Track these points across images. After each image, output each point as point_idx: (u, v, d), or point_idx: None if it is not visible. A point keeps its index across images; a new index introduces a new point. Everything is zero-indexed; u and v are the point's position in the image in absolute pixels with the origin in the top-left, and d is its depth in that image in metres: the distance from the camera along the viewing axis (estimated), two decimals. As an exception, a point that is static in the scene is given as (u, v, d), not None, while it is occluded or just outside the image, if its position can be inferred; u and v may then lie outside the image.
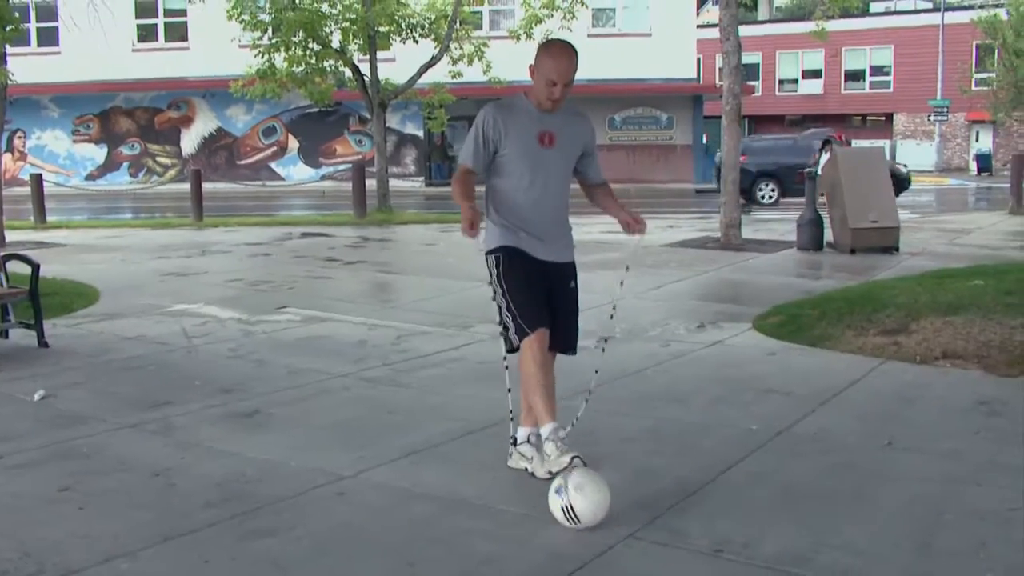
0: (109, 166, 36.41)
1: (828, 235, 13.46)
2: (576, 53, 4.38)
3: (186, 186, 21.65)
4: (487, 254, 4.46)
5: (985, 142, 46.82)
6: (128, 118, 36.30)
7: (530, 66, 4.40)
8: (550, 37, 4.49)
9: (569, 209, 4.61)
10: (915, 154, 46.99)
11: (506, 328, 4.37)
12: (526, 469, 4.50)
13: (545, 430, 4.23)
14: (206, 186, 21.38)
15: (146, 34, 35.68)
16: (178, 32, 35.41)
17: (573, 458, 4.05)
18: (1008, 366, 6.34)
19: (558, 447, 4.15)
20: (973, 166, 44.42)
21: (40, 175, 20.43)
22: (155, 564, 3.62)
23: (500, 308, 4.38)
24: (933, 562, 3.60)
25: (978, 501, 4.16)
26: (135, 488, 4.42)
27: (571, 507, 3.84)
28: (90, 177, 35.94)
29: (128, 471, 4.64)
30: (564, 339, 4.55)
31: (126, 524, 3.96)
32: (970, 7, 45.49)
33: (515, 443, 4.62)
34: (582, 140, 4.58)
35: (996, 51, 44.44)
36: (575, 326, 4.61)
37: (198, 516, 4.05)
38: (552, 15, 20.54)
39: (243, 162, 36.15)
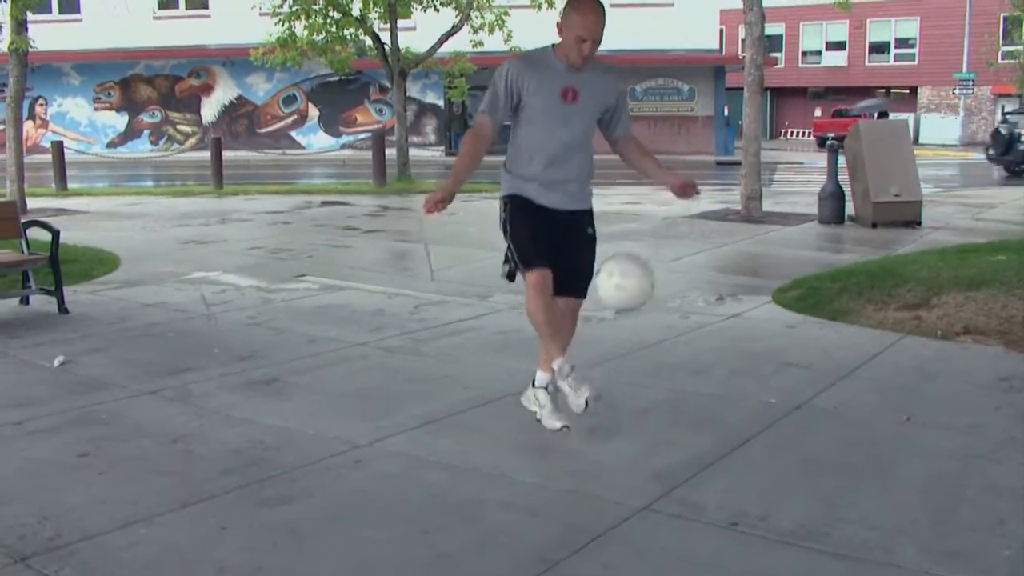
0: (130, 134, 36.48)
1: (849, 208, 13.36)
2: (604, 10, 4.35)
3: (206, 154, 21.68)
4: (500, 199, 4.61)
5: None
6: (149, 86, 36.32)
7: (558, 23, 4.37)
8: None
9: (593, 168, 4.62)
10: (939, 128, 46.60)
11: (506, 261, 4.55)
12: (534, 413, 4.60)
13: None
14: (226, 154, 21.40)
15: (167, 2, 35.64)
16: (199, 0, 35.35)
17: (587, 400, 4.23)
18: (1030, 342, 6.28)
19: (571, 385, 4.29)
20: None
21: (61, 142, 20.51)
22: (173, 530, 3.64)
23: (508, 245, 4.52)
24: (951, 538, 3.58)
25: (997, 477, 4.14)
26: (153, 454, 4.44)
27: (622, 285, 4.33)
28: (111, 144, 36.02)
29: (147, 437, 4.66)
30: (576, 283, 4.60)
31: (144, 490, 3.99)
32: (998, -22, 44.83)
33: (534, 384, 4.68)
34: (606, 96, 4.55)
35: (1024, 23, 43.88)
36: (589, 271, 4.63)
37: (216, 483, 4.07)
38: (574, -16, 20.37)
39: (263, 130, 36.15)
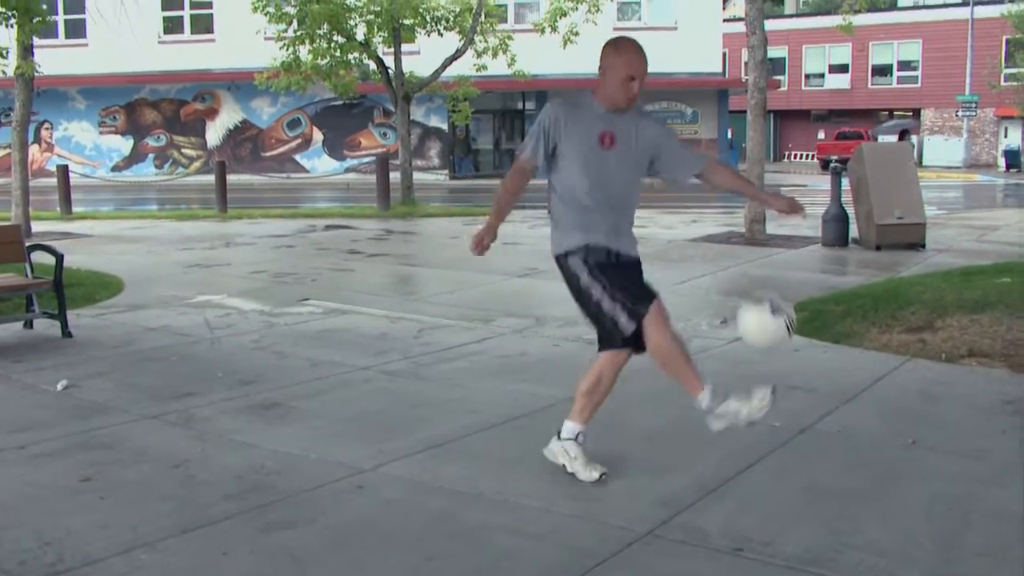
0: (135, 157, 36.60)
1: (853, 231, 13.36)
2: (643, 48, 4.36)
3: (211, 178, 21.73)
4: (565, 256, 4.34)
5: (1014, 138, 46.32)
6: (154, 110, 36.47)
7: (599, 68, 4.35)
8: (617, 37, 4.45)
9: (635, 213, 4.50)
10: (943, 150, 46.58)
11: (614, 323, 4.22)
12: (564, 466, 4.42)
13: (706, 398, 4.21)
14: (231, 178, 21.46)
15: (172, 26, 35.83)
16: (203, 24, 35.55)
17: (770, 391, 4.16)
18: (1035, 365, 6.26)
19: (738, 396, 4.19)
20: (1001, 162, 43.97)
21: (66, 166, 20.54)
22: (174, 555, 3.63)
23: (600, 305, 4.24)
24: (957, 563, 3.56)
25: (1002, 502, 4.12)
26: (155, 479, 4.43)
27: (792, 321, 4.22)
28: (116, 168, 36.15)
29: (149, 462, 4.65)
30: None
31: (146, 515, 3.98)
32: (1000, 1, 45.03)
33: (559, 436, 4.49)
34: (648, 140, 4.44)
35: (1026, 46, 44.02)
36: None
37: (217, 508, 4.06)
38: (577, 8, 20.45)
39: (268, 154, 36.27)
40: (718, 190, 4.75)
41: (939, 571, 3.50)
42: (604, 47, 4.38)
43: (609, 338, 4.30)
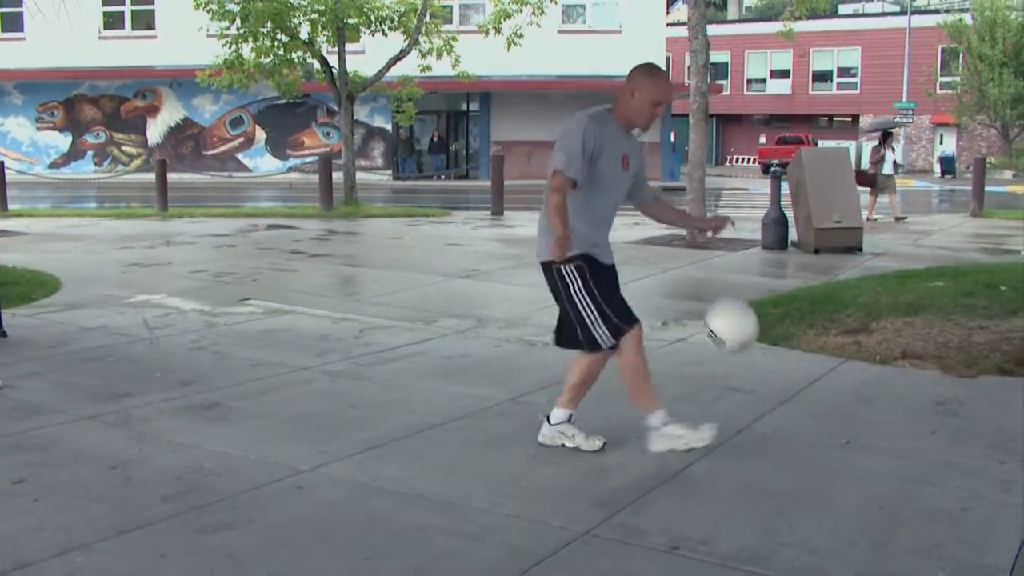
0: (73, 154, 36.05)
1: (793, 234, 13.55)
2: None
3: (151, 176, 21.44)
4: (560, 263, 4.48)
5: (949, 145, 47.33)
6: (93, 106, 35.95)
7: (629, 88, 4.50)
8: (648, 62, 4.66)
9: None
10: (880, 155, 47.29)
11: (596, 334, 4.56)
12: (563, 445, 4.76)
13: (657, 418, 4.63)
14: (172, 176, 21.22)
15: (112, 21, 35.36)
16: (145, 20, 35.12)
17: (709, 433, 4.61)
18: (965, 367, 6.41)
19: (685, 425, 4.62)
20: (937, 168, 44.88)
21: (2, 162, 20.18)
22: (111, 557, 3.59)
23: (587, 313, 4.54)
24: (888, 560, 3.64)
25: (933, 500, 4.21)
26: (91, 481, 4.37)
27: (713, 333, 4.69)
28: (54, 165, 35.57)
29: (85, 463, 4.59)
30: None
31: (81, 517, 3.93)
32: (936, 11, 46.02)
33: (550, 421, 4.84)
34: (638, 164, 4.77)
35: (960, 55, 45.05)
36: None
37: (155, 509, 4.02)
38: (521, 10, 20.49)
39: (210, 153, 35.90)
40: (656, 219, 5.18)
41: (871, 568, 3.57)
42: (635, 70, 4.61)
43: (592, 343, 4.60)
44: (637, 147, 4.72)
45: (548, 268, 4.59)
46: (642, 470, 4.54)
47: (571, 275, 4.53)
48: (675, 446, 4.61)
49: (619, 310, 4.56)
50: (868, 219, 17.77)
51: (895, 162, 19.69)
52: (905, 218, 18.22)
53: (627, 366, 4.60)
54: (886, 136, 18.97)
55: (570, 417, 4.81)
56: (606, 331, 4.52)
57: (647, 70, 4.58)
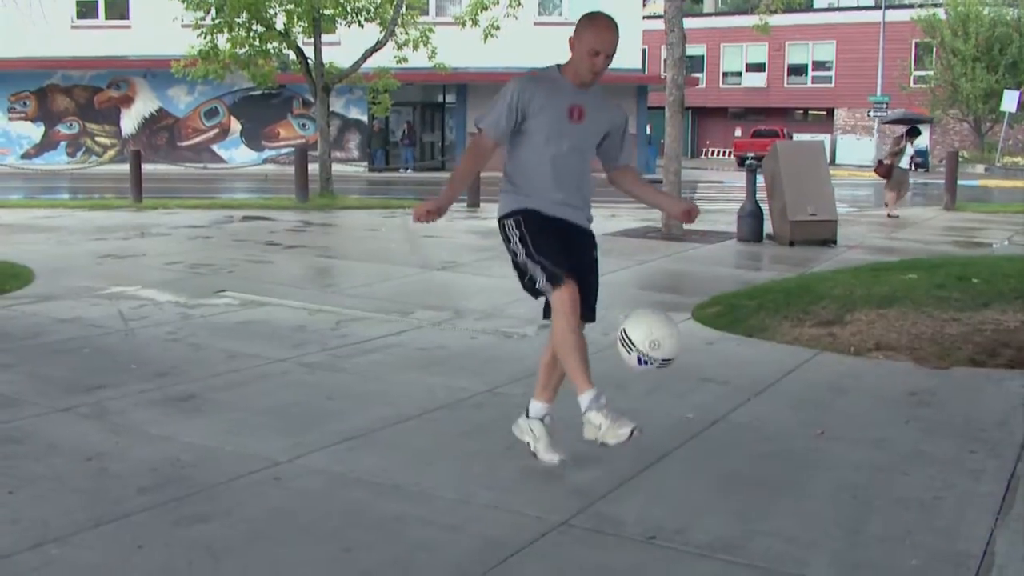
0: (46, 145, 35.74)
1: (768, 227, 13.63)
2: (618, 29, 4.32)
3: (125, 167, 21.28)
4: (501, 219, 4.38)
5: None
6: (66, 96, 35.64)
7: (570, 39, 4.31)
8: (594, 11, 4.44)
9: (593, 189, 4.52)
10: (855, 149, 47.70)
11: (534, 281, 4.24)
12: (528, 444, 4.44)
13: (585, 398, 4.07)
14: (146, 167, 21.06)
15: (86, 11, 35.08)
16: (118, 9, 34.86)
17: (632, 430, 3.94)
18: (938, 358, 6.48)
19: (607, 415, 3.99)
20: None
21: (-27, 153, 20.01)
22: (87, 549, 3.58)
23: (527, 264, 4.25)
24: (862, 548, 3.68)
25: (905, 489, 4.26)
26: (67, 473, 4.35)
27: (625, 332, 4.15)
28: (26, 156, 35.24)
29: (60, 455, 4.57)
30: (591, 304, 4.41)
31: (57, 509, 3.91)
32: (910, 6, 46.28)
33: (527, 414, 4.53)
34: (610, 119, 4.47)
35: (934, 50, 45.40)
36: (595, 294, 4.47)
37: (131, 501, 4.01)
38: (498, 2, 20.48)
39: (184, 144, 35.69)
40: (624, 191, 4.70)
41: (845, 556, 3.62)
42: (579, 20, 4.37)
43: (532, 290, 4.30)
44: (598, 102, 4.41)
45: (499, 224, 4.42)
46: (618, 460, 4.56)
47: (511, 228, 4.33)
48: (592, 435, 4.08)
49: (551, 257, 4.18)
50: (888, 216, 17.83)
51: (912, 157, 19.43)
52: (897, 216, 18.07)
53: (558, 334, 4.16)
54: (912, 132, 18.76)
55: (544, 418, 4.50)
56: (541, 277, 4.16)
57: (588, 17, 4.33)
